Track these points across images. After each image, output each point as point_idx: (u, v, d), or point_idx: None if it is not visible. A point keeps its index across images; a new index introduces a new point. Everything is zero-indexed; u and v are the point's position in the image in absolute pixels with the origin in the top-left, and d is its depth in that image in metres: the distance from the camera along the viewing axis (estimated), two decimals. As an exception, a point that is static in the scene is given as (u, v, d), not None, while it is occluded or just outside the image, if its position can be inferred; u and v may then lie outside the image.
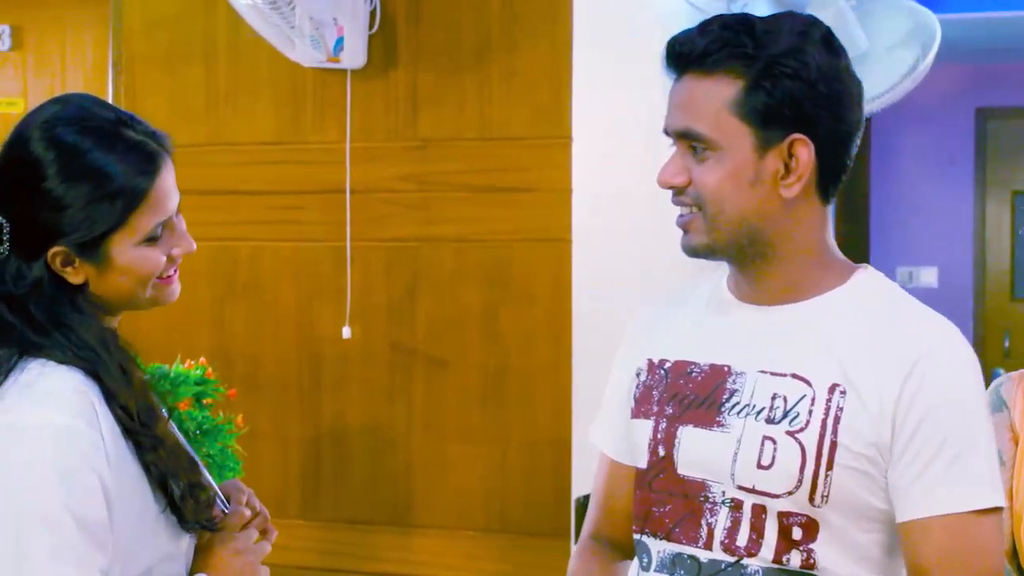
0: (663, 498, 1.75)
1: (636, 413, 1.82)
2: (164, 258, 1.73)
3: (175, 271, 1.77)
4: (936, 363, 1.65)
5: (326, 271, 3.94)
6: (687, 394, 1.76)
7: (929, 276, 7.13)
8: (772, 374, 1.70)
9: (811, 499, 1.65)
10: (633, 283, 3.51)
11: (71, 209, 1.65)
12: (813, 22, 1.72)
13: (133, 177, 1.67)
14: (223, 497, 1.83)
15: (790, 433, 1.66)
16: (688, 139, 1.71)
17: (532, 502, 3.75)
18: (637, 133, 3.52)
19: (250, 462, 3.44)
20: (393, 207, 3.87)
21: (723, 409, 1.72)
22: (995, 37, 6.10)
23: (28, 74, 4.85)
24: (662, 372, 1.81)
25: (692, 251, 1.75)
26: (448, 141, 3.82)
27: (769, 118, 1.67)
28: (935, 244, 7.18)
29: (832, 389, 1.66)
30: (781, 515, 1.66)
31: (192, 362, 3.34)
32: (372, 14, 3.80)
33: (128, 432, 1.66)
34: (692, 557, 1.72)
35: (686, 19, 2.87)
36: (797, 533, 1.66)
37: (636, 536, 1.80)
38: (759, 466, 1.67)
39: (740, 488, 1.68)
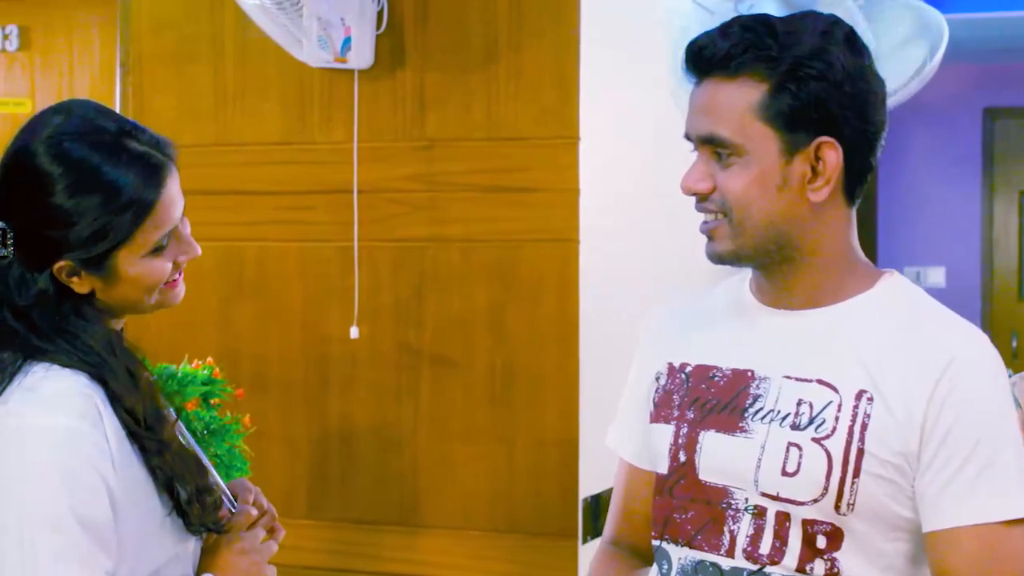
0: (684, 504, 1.73)
1: (656, 417, 1.79)
2: (170, 266, 1.73)
3: (180, 274, 1.77)
4: (965, 371, 1.63)
5: (333, 271, 3.94)
6: (709, 399, 1.73)
7: (936, 276, 7.11)
8: (797, 380, 1.68)
9: (836, 507, 1.63)
10: (641, 283, 3.50)
11: (78, 225, 1.64)
12: (835, 21, 1.70)
13: (140, 191, 1.66)
14: (230, 496, 1.83)
15: (816, 440, 1.63)
16: (712, 144, 1.67)
17: (539, 502, 3.74)
18: (645, 133, 3.51)
19: (257, 462, 3.44)
20: (400, 207, 3.87)
21: (746, 414, 1.69)
22: (1003, 37, 6.07)
23: (36, 74, 4.85)
24: (683, 376, 1.78)
25: (718, 258, 1.71)
26: (455, 141, 3.82)
27: (795, 121, 1.64)
28: (943, 244, 7.16)
29: (859, 396, 1.64)
30: (805, 523, 1.64)
31: (199, 362, 3.33)
32: (379, 14, 3.79)
33: (133, 436, 1.65)
34: (714, 564, 1.69)
35: (693, 19, 2.87)
36: (821, 541, 1.64)
37: (656, 542, 1.78)
38: (784, 473, 1.64)
39: (764, 495, 1.66)
